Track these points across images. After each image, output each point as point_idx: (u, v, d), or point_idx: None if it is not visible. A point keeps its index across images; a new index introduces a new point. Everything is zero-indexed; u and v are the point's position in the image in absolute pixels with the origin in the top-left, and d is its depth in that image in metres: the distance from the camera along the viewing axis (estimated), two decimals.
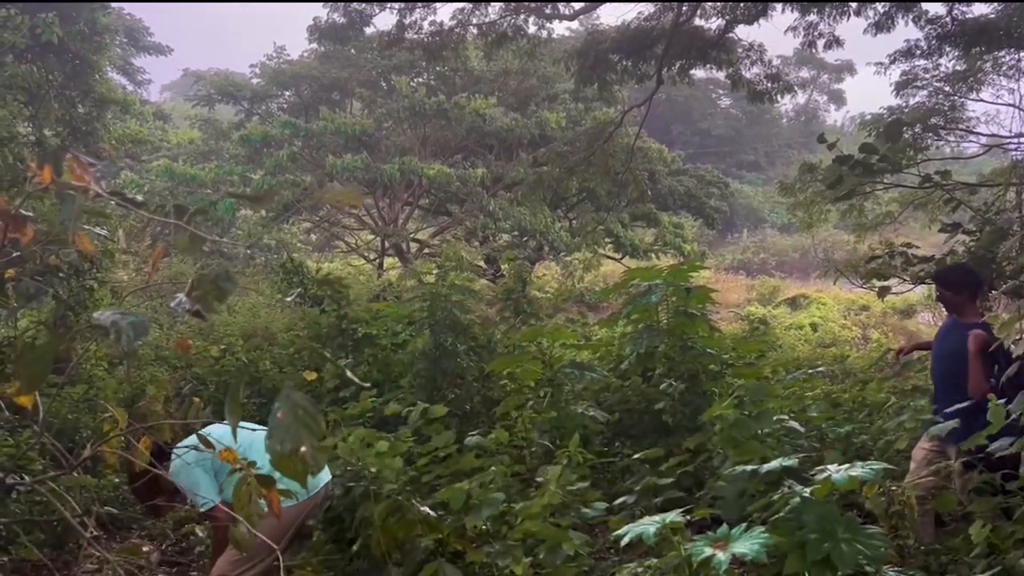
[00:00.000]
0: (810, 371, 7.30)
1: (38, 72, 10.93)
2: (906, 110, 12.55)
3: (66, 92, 11.87)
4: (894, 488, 3.42)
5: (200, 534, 4.72)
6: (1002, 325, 3.67)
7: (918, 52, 12.12)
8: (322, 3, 13.63)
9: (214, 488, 3.48)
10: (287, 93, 22.80)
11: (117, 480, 5.59)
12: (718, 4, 11.75)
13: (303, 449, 1.60)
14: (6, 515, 4.41)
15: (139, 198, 1.80)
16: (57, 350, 1.82)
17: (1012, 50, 11.78)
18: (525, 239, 18.86)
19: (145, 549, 4.65)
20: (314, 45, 21.15)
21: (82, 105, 12.25)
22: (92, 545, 1.84)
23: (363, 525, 3.33)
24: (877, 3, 10.91)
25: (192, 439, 3.48)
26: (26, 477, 3.66)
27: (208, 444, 2.20)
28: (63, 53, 11.65)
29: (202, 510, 3.51)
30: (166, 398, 6.50)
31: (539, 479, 3.82)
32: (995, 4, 11.17)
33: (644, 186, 15.61)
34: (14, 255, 2.54)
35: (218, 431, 2.45)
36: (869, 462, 2.62)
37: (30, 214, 2.24)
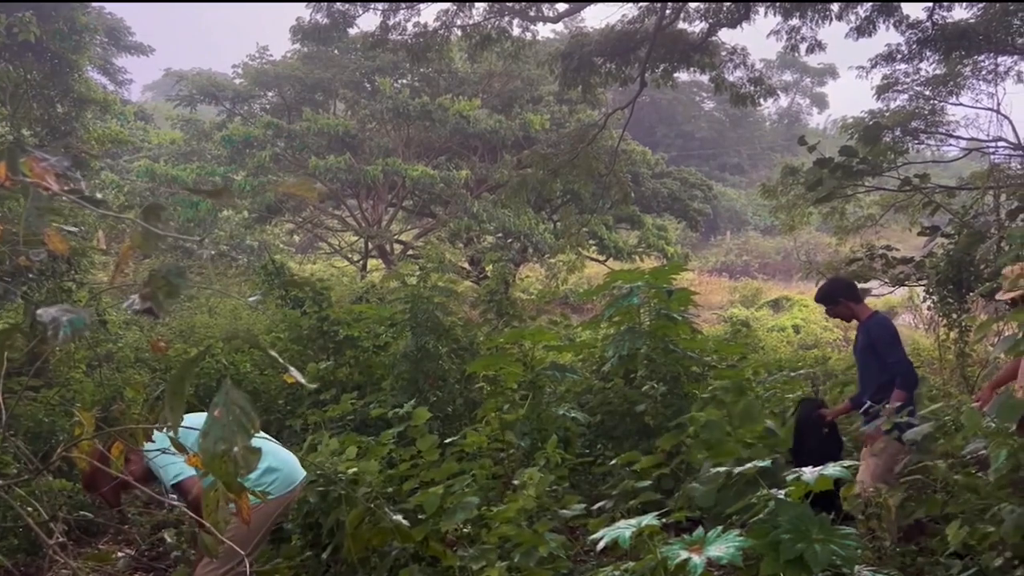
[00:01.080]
0: (791, 373, 7.33)
1: (15, 71, 10.81)
2: (887, 114, 12.65)
3: (45, 91, 11.73)
4: (871, 489, 3.43)
5: (168, 539, 4.67)
6: (979, 326, 3.69)
7: (899, 56, 12.23)
8: (305, 3, 13.58)
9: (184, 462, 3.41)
10: (270, 93, 22.67)
11: None
12: (701, 8, 11.81)
13: (236, 449, 1.57)
14: None
15: (99, 195, 1.78)
16: (5, 344, 1.78)
17: (991, 55, 11.90)
18: (509, 241, 18.85)
19: (120, 555, 4.59)
20: (297, 46, 21.12)
21: (61, 105, 12.11)
22: (56, 552, 1.81)
23: (336, 531, 3.31)
24: (859, 3, 10.98)
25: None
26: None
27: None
28: (41, 52, 11.52)
29: (172, 483, 3.40)
30: (144, 401, 6.42)
31: (516, 482, 3.81)
32: (975, 9, 11.28)
33: (628, 188, 15.64)
34: None
35: (191, 419, 2.47)
36: (844, 462, 2.63)
37: None
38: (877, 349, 4.65)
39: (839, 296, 4.84)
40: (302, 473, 3.79)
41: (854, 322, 5.00)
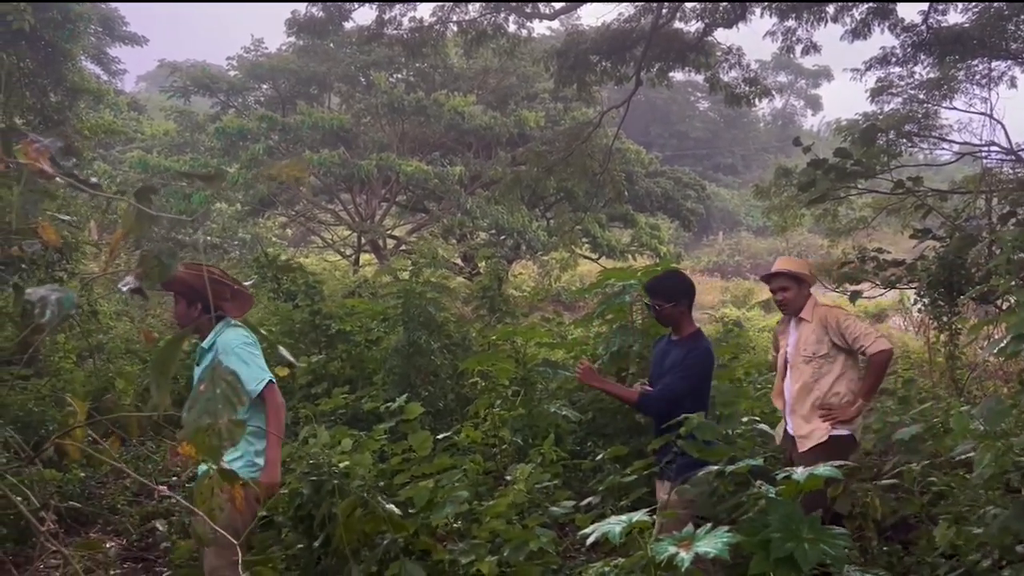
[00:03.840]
0: None
1: (9, 59, 10.76)
2: (881, 116, 12.69)
3: (38, 80, 11.67)
4: (859, 490, 3.46)
5: (161, 528, 4.67)
6: (971, 328, 3.72)
7: (893, 59, 12.27)
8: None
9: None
10: (264, 86, 22.61)
11: (83, 474, 5.52)
12: (697, 7, 11.82)
13: (221, 422, 1.57)
14: None
15: (94, 179, 1.77)
16: None
17: (985, 59, 11.95)
18: (502, 237, 18.85)
19: (109, 545, 4.59)
20: (292, 39, 21.06)
21: (54, 94, 12.05)
22: (48, 540, 1.81)
23: (327, 522, 3.31)
24: (855, 5, 11.01)
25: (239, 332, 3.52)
26: None
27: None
28: (35, 40, 11.47)
29: (259, 388, 3.44)
30: (134, 392, 6.41)
31: (508, 477, 3.81)
32: (969, 14, 11.32)
33: (621, 187, 15.66)
34: None
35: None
36: (835, 462, 2.64)
37: None
38: (677, 370, 3.98)
39: (680, 297, 4.11)
40: None
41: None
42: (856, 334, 4.32)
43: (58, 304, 1.67)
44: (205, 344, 3.58)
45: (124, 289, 1.66)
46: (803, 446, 4.29)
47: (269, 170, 1.73)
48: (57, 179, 1.64)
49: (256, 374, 3.45)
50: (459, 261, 19.28)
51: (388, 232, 20.34)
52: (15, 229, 2.68)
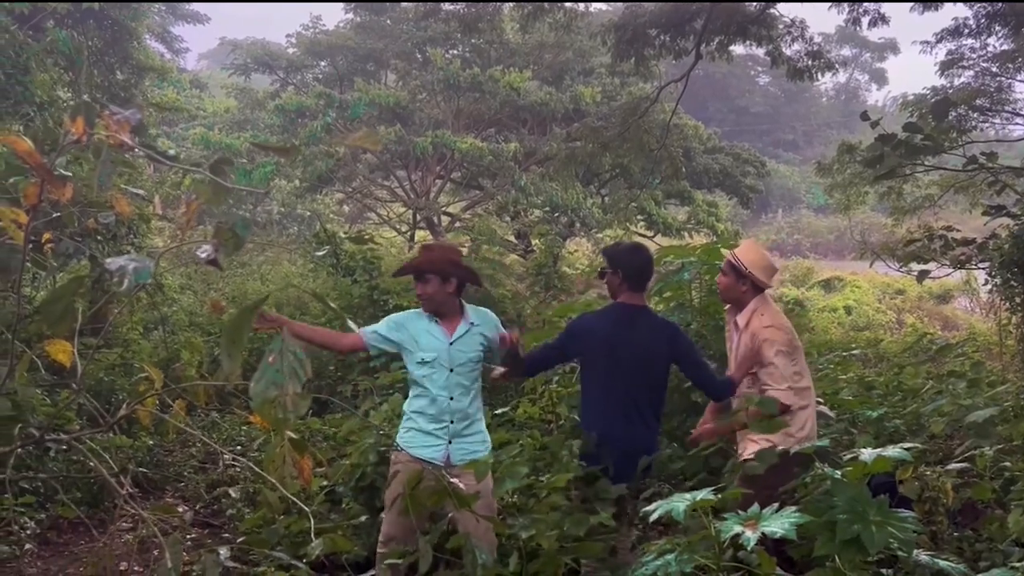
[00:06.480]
0: (843, 354, 7.22)
1: (77, 37, 11.06)
2: (951, 91, 12.26)
3: (105, 58, 11.99)
4: (928, 473, 3.38)
5: (233, 495, 4.80)
6: None
7: (966, 31, 11.82)
8: None
9: None
10: (322, 63, 22.79)
11: (151, 442, 5.70)
12: None
13: (288, 395, 1.59)
14: (44, 473, 4.51)
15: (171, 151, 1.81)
16: (77, 291, 1.83)
17: None
18: (556, 215, 18.76)
19: (180, 509, 4.74)
20: (350, 15, 21.17)
21: (120, 72, 12.37)
22: (128, 502, 1.87)
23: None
24: None
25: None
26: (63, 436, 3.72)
27: None
28: (102, 19, 11.78)
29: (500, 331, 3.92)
30: (200, 362, 6.59)
31: (564, 453, 3.81)
32: None
33: (679, 163, 15.39)
34: (54, 215, 2.57)
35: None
36: (903, 444, 2.58)
37: (69, 175, 2.26)
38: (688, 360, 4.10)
39: (617, 266, 4.05)
40: None
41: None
42: (769, 369, 3.97)
43: (135, 273, 1.71)
44: (475, 319, 3.84)
45: (202, 256, 1.69)
46: (741, 453, 4.02)
47: (343, 141, 1.76)
48: (136, 150, 1.67)
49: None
50: (513, 238, 19.28)
51: (443, 209, 20.41)
52: (91, 201, 2.74)
